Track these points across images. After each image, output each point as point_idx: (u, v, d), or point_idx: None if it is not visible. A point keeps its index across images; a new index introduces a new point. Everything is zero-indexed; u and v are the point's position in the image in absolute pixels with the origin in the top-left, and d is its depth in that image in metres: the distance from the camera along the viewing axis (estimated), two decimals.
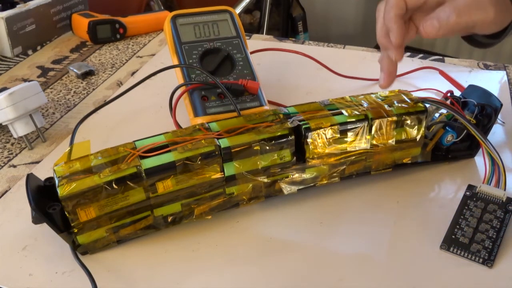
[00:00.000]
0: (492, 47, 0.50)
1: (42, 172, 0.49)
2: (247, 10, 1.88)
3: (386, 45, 0.48)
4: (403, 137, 0.50)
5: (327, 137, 0.47)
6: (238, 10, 1.72)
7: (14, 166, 0.56)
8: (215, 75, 0.59)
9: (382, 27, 0.47)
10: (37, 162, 0.57)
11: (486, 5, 0.43)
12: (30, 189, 0.43)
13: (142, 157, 0.43)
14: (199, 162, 0.44)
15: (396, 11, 0.45)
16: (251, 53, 0.65)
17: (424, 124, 0.51)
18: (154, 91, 0.69)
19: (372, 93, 0.53)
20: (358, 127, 0.48)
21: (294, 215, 0.49)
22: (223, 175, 0.45)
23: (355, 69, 0.74)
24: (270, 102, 0.64)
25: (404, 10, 0.46)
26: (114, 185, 0.41)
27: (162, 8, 1.48)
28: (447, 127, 0.53)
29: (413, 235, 0.46)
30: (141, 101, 0.68)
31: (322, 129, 0.47)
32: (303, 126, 0.47)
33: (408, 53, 0.81)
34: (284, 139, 0.46)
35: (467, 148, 0.55)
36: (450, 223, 0.46)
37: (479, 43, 0.51)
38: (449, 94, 0.57)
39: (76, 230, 0.42)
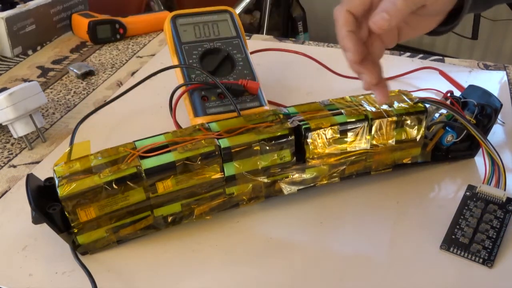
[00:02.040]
0: (450, 31, 0.46)
1: (42, 172, 0.49)
2: (247, 10, 1.88)
3: (359, 71, 0.45)
4: (403, 137, 0.50)
5: (327, 137, 0.47)
6: (238, 10, 1.72)
7: (14, 166, 0.56)
8: (215, 75, 0.59)
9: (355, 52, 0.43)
10: (37, 162, 0.57)
11: None
12: (30, 189, 0.43)
13: (142, 157, 0.43)
14: (199, 162, 0.44)
15: (347, 28, 0.42)
16: (251, 53, 0.65)
17: (424, 124, 0.51)
18: (154, 91, 0.69)
19: (372, 93, 0.53)
20: (358, 127, 0.48)
21: (294, 215, 0.49)
22: (223, 175, 0.45)
23: None
24: (270, 102, 0.64)
25: (354, 24, 0.42)
26: (114, 185, 0.41)
27: (162, 8, 1.48)
28: (447, 127, 0.53)
29: (413, 235, 0.46)
30: (141, 101, 0.68)
31: (322, 129, 0.47)
32: (303, 126, 0.47)
33: (408, 53, 0.81)
34: (284, 139, 0.46)
35: (467, 148, 0.55)
36: (450, 223, 0.46)
37: (434, 31, 0.47)
38: (449, 94, 0.57)
39: (76, 230, 0.42)
